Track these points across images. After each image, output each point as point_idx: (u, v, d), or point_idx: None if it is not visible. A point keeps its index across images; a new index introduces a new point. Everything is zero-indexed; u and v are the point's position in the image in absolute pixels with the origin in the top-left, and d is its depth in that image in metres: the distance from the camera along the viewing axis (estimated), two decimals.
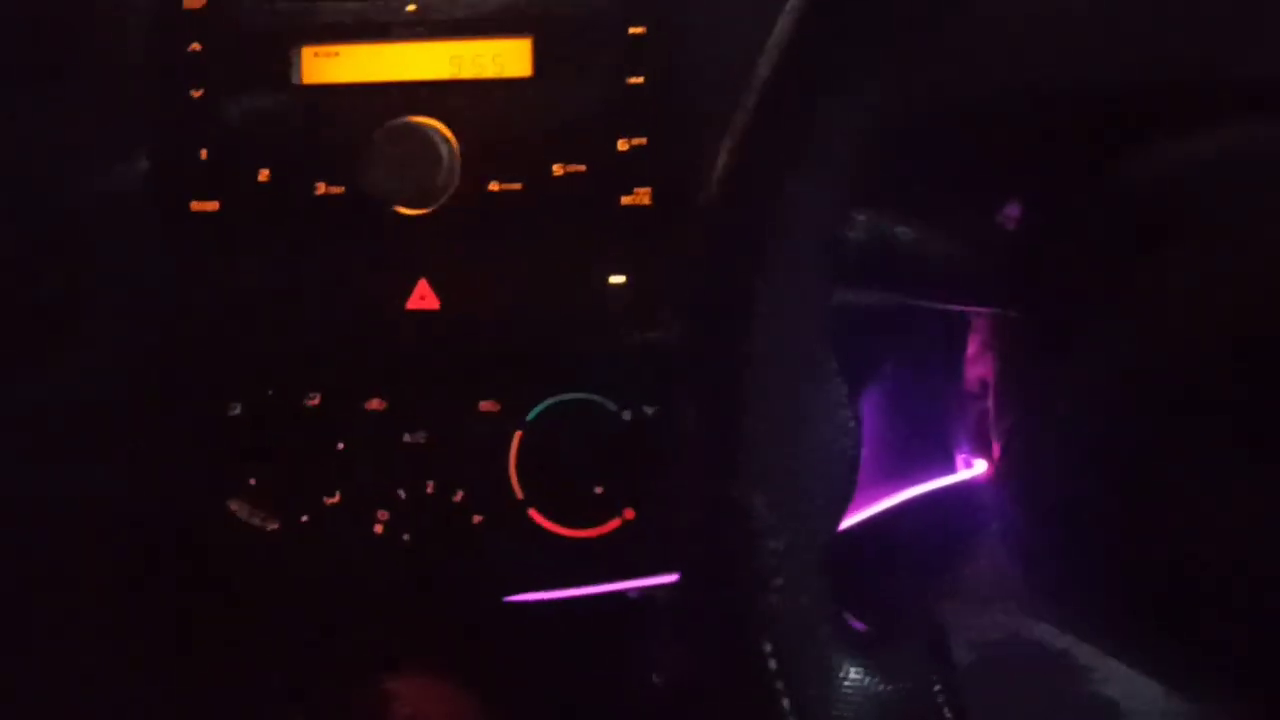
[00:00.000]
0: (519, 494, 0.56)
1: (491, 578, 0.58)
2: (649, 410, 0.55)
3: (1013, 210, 0.47)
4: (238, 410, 0.57)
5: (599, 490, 0.55)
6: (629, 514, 0.55)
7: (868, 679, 0.33)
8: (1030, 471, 0.36)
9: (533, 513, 0.56)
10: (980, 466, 0.65)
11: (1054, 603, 0.33)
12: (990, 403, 0.61)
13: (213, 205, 0.53)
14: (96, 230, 0.54)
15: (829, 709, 0.33)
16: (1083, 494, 0.34)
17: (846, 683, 0.33)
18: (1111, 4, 0.44)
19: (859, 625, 0.34)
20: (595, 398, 0.55)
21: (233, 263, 0.54)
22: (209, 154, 0.52)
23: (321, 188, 0.52)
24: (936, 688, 0.33)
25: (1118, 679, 0.32)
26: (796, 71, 0.33)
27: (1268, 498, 0.33)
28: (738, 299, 0.32)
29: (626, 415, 0.55)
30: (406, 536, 0.57)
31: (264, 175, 0.52)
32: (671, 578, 0.55)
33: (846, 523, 0.35)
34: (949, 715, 0.33)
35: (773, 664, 0.32)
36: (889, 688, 0.33)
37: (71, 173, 0.53)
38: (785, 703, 0.32)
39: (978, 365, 0.62)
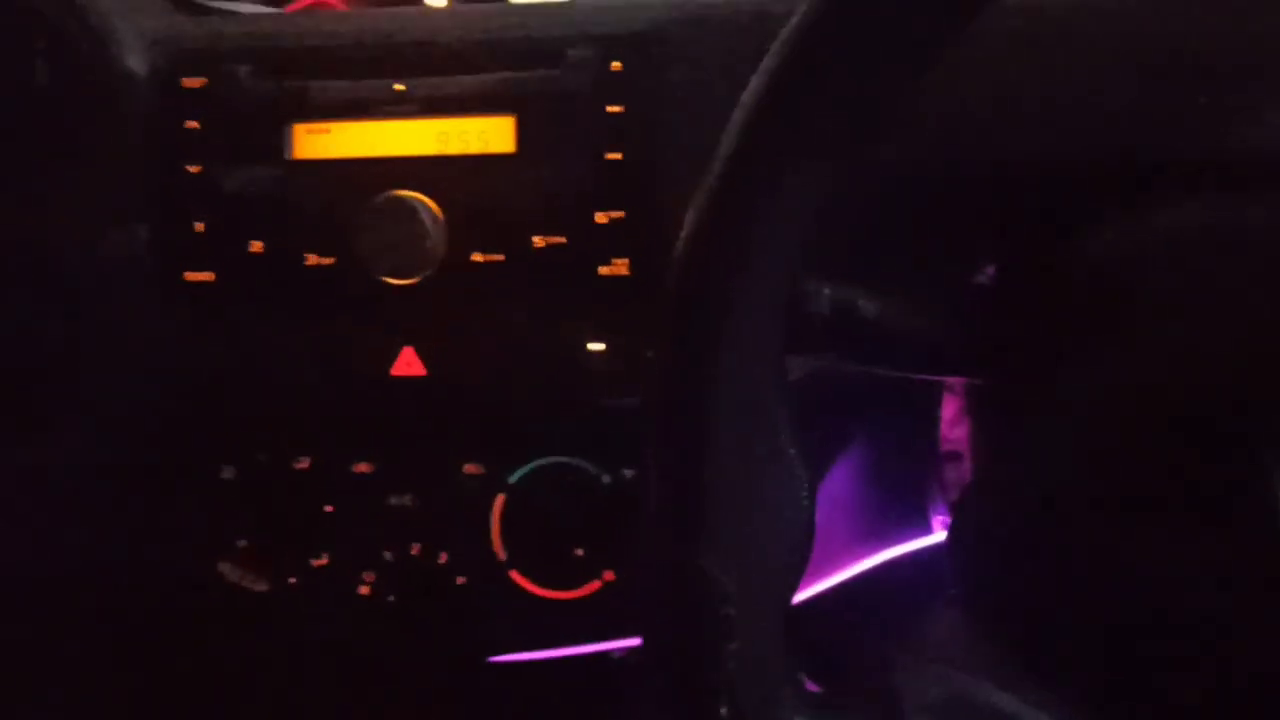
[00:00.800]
0: (501, 555, 0.57)
1: (475, 638, 0.59)
2: (628, 473, 0.56)
3: (973, 282, 0.49)
4: (230, 474, 0.58)
5: (579, 552, 0.56)
6: (609, 575, 0.57)
7: None
8: (981, 535, 0.37)
9: (514, 574, 0.57)
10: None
11: (1008, 665, 0.34)
12: (967, 467, 0.62)
13: (208, 275, 0.55)
14: (93, 298, 0.56)
15: None
16: (1028, 557, 0.35)
17: None
18: (1067, 86, 0.46)
19: (814, 688, 0.35)
20: (576, 461, 0.57)
21: (226, 330, 0.55)
22: (205, 226, 0.54)
23: (312, 259, 0.54)
24: None
25: None
26: (758, 143, 0.35)
27: (1213, 562, 0.34)
28: (697, 372, 0.34)
29: (606, 478, 0.56)
30: (392, 598, 0.58)
31: (257, 247, 0.54)
32: (632, 641, 0.56)
33: (811, 590, 0.37)
34: None
35: None
36: None
37: (70, 242, 0.55)
38: None
39: (954, 431, 0.64)
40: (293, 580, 0.58)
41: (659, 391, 0.34)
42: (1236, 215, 0.38)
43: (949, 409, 0.64)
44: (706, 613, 0.33)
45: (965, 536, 0.37)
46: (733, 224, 0.34)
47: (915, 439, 0.64)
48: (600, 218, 0.52)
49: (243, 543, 0.58)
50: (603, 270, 0.53)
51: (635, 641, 0.59)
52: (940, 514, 0.66)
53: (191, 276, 0.55)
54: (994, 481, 0.38)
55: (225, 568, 0.58)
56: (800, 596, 0.37)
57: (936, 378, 0.51)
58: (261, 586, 0.58)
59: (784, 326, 0.36)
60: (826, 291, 0.44)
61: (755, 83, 0.35)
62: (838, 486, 0.58)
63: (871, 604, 0.52)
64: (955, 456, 0.65)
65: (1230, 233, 0.37)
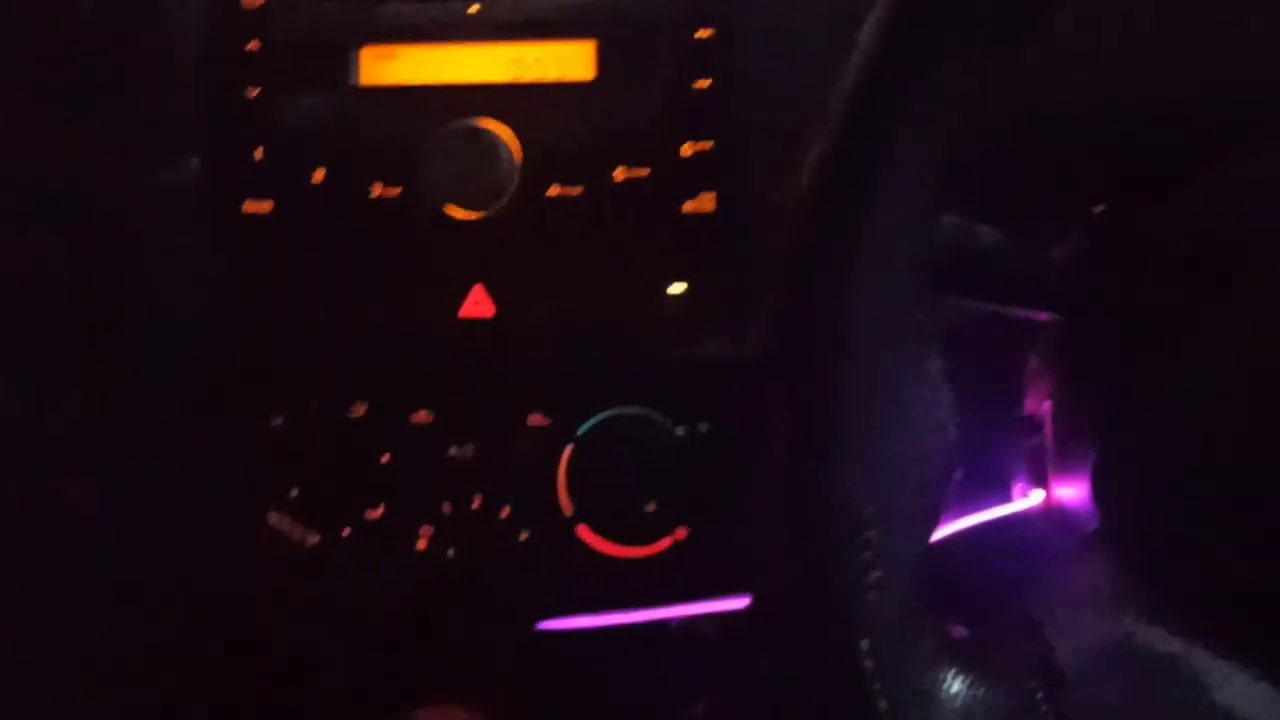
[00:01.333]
0: (567, 510, 0.54)
1: (538, 597, 0.56)
2: (704, 426, 0.54)
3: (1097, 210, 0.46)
4: (280, 420, 0.55)
5: (651, 508, 0.54)
6: (681, 533, 0.54)
7: (968, 686, 0.31)
8: (1137, 473, 0.34)
9: (581, 530, 0.54)
10: (1037, 497, 0.63)
11: (1165, 606, 0.31)
12: (1047, 435, 0.59)
13: (265, 206, 0.52)
14: (145, 231, 0.53)
15: (928, 713, 0.31)
16: (1186, 496, 0.32)
17: (946, 689, 0.31)
18: (1192, 24, 0.44)
19: (959, 630, 0.32)
20: (649, 413, 0.54)
21: (283, 266, 0.53)
22: (263, 154, 0.51)
23: (377, 190, 0.51)
24: (1039, 695, 0.32)
25: (1234, 686, 0.30)
26: (895, 56, 0.32)
27: None
28: (839, 276, 0.31)
29: (680, 431, 0.54)
30: (450, 553, 0.55)
31: (319, 176, 0.51)
32: (735, 601, 0.53)
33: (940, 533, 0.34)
34: None
35: (869, 664, 0.30)
36: (990, 695, 0.31)
37: (122, 171, 0.52)
38: (882, 704, 0.30)
39: (1034, 394, 0.61)
40: (345, 533, 0.55)
41: (795, 297, 0.32)
42: None
43: (1028, 376, 0.61)
44: (845, 541, 0.30)
45: (1118, 476, 0.35)
46: (881, 115, 0.31)
47: (995, 408, 0.61)
48: (686, 150, 0.50)
49: (293, 493, 0.55)
50: (687, 206, 0.50)
51: (709, 606, 0.56)
52: (1020, 483, 0.63)
53: (249, 207, 0.52)
54: (1145, 421, 0.35)
55: (274, 519, 0.55)
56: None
57: (1043, 316, 0.48)
58: (312, 539, 0.55)
59: (922, 251, 0.33)
60: (946, 219, 0.41)
61: None
62: None
63: (1002, 549, 0.49)
64: (1035, 426, 0.62)
65: None
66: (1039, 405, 0.62)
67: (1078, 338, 0.48)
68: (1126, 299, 0.41)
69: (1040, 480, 0.63)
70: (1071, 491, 0.57)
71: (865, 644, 0.30)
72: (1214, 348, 0.36)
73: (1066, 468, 0.57)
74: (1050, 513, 0.61)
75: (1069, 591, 0.33)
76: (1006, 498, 0.64)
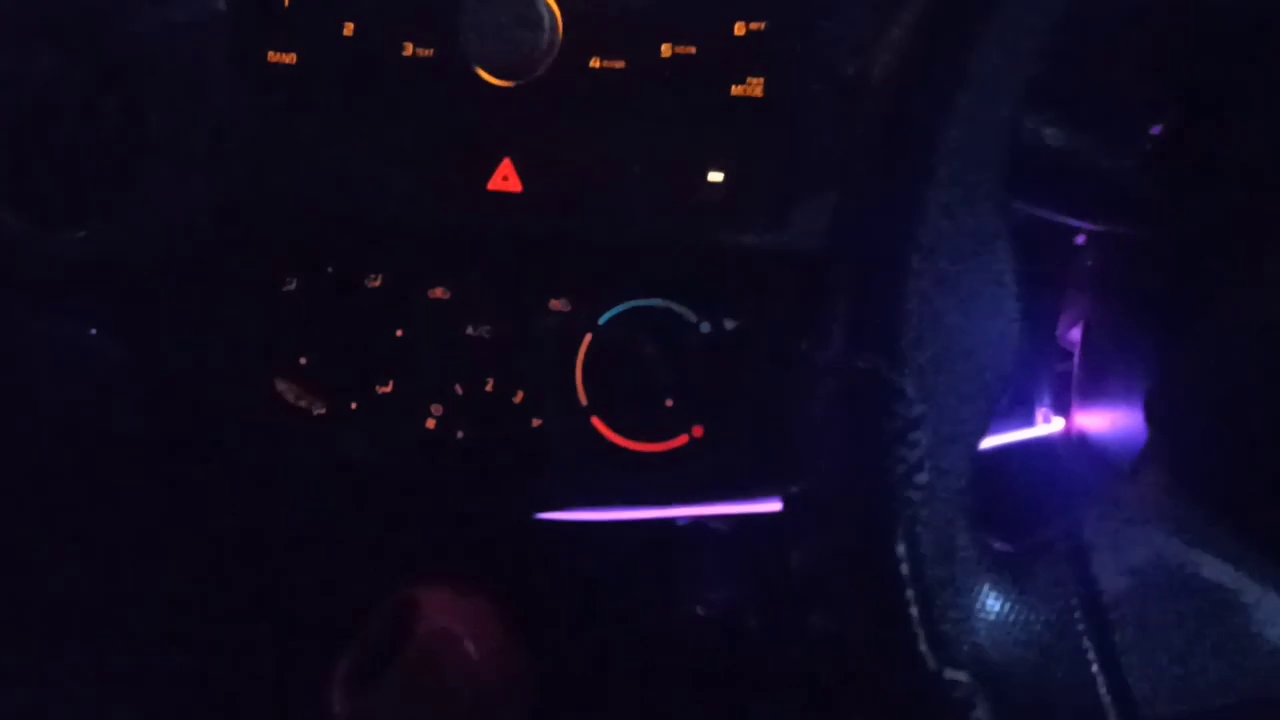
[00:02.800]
0: (583, 400, 0.53)
1: (546, 485, 0.55)
2: (730, 324, 0.52)
3: (1157, 129, 0.43)
4: (293, 285, 0.53)
5: (668, 403, 0.52)
6: (698, 431, 0.52)
7: (1004, 601, 0.30)
8: (1198, 393, 0.32)
9: (596, 421, 0.53)
10: (1058, 424, 0.62)
11: (1216, 532, 0.30)
12: (1075, 364, 0.57)
13: (290, 57, 0.49)
14: (164, 71, 0.50)
15: (960, 628, 0.29)
16: (1261, 418, 0.30)
17: (982, 603, 0.30)
18: None
19: (999, 545, 0.31)
20: (674, 306, 0.52)
21: (305, 121, 0.50)
22: (291, 1, 0.49)
23: (409, 48, 0.49)
24: (1076, 614, 0.30)
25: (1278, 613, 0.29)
26: None
27: None
28: (915, 172, 0.29)
29: (705, 327, 0.52)
30: (460, 434, 0.54)
31: (349, 30, 0.49)
32: (763, 504, 0.52)
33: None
34: (1090, 645, 0.30)
35: (904, 569, 0.29)
36: (1026, 613, 0.30)
37: (148, 8, 0.50)
38: (913, 611, 0.29)
39: (1065, 323, 0.59)
40: (354, 405, 0.54)
41: (869, 191, 0.29)
42: None
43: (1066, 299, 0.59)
44: (895, 439, 0.29)
45: (1176, 395, 0.33)
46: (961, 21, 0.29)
47: (1029, 328, 0.59)
48: (739, 28, 0.47)
49: (302, 360, 0.54)
50: (735, 89, 0.47)
51: (716, 509, 0.55)
52: (1045, 407, 0.62)
53: (274, 57, 0.49)
54: (1212, 339, 0.33)
55: (283, 386, 0.54)
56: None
57: (1108, 227, 0.46)
58: (320, 409, 0.54)
59: (1005, 146, 0.31)
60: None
61: None
62: None
63: (1048, 462, 0.48)
64: (1064, 352, 0.60)
65: None
66: (1069, 331, 0.60)
67: (1133, 254, 0.46)
68: (1203, 209, 0.39)
69: (1062, 407, 0.61)
70: (1096, 420, 0.56)
71: (902, 547, 0.29)
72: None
73: (1093, 395, 0.56)
74: (1069, 440, 0.59)
75: (1112, 512, 0.31)
76: (1029, 422, 0.63)
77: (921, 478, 0.29)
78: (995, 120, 0.31)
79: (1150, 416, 0.34)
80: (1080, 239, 0.53)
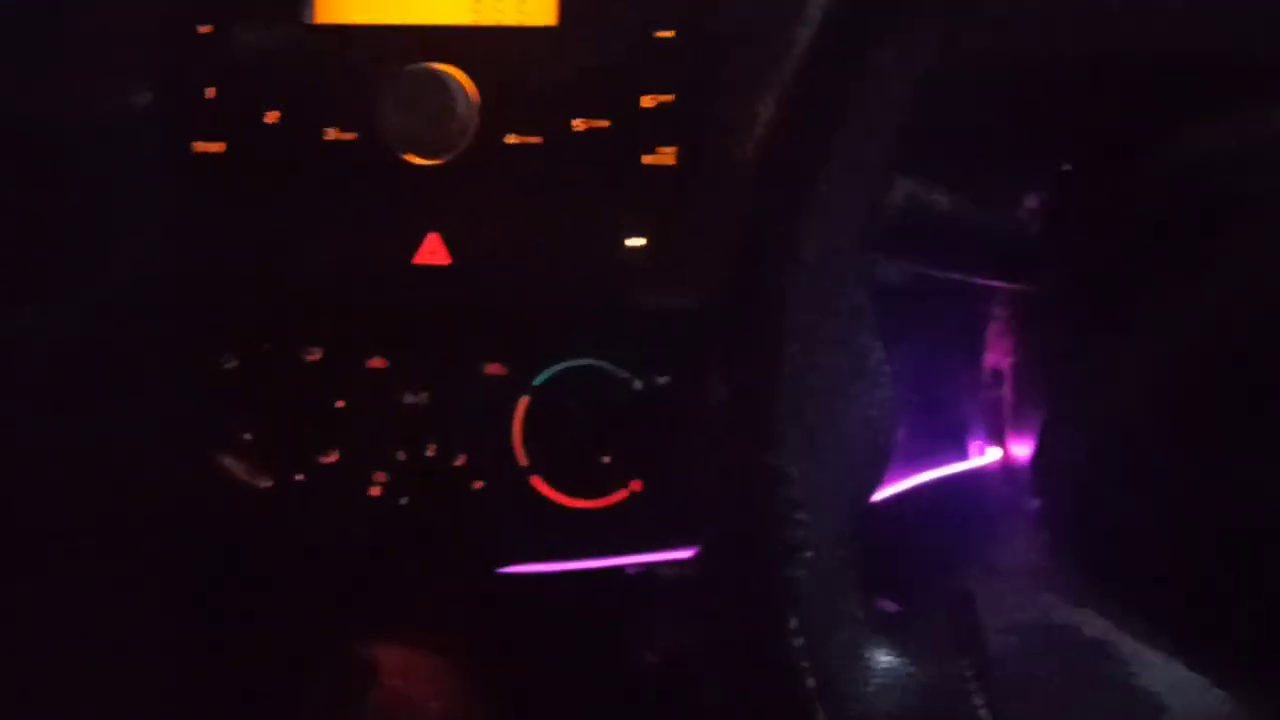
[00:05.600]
0: (523, 460, 0.54)
1: (490, 546, 0.56)
2: (661, 380, 0.53)
3: (1032, 200, 0.45)
4: (233, 363, 0.55)
5: (606, 460, 0.53)
6: (636, 485, 0.54)
7: (896, 661, 0.31)
8: (1075, 450, 0.34)
9: (536, 480, 0.54)
10: (994, 454, 0.63)
11: (1094, 587, 0.32)
12: (1006, 392, 0.59)
13: (218, 146, 0.51)
14: (92, 167, 0.52)
15: (855, 689, 0.31)
16: (1134, 473, 0.32)
17: (874, 663, 0.31)
18: None
19: (888, 605, 0.32)
20: (606, 365, 0.53)
21: (236, 207, 0.52)
22: (216, 92, 0.50)
23: (332, 133, 0.50)
24: (968, 672, 0.32)
25: (1159, 669, 0.31)
26: (848, 12, 0.31)
27: None
28: (778, 259, 0.30)
29: (638, 384, 0.53)
30: (404, 500, 0.55)
31: (272, 117, 0.50)
32: (682, 553, 0.53)
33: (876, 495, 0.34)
34: (979, 701, 0.31)
35: (798, 641, 0.30)
36: (917, 670, 0.32)
37: (69, 107, 0.51)
38: (809, 682, 0.30)
39: (994, 354, 0.61)
40: (299, 477, 0.55)
41: (733, 273, 0.31)
42: None
43: (991, 328, 0.61)
44: (778, 517, 0.30)
45: (1051, 456, 0.34)
46: (829, 80, 0.30)
47: (955, 365, 0.61)
48: (647, 101, 0.48)
49: (246, 436, 0.55)
50: (647, 159, 0.49)
51: (658, 556, 0.56)
52: (977, 439, 0.63)
53: (200, 147, 0.51)
54: (1091, 396, 0.35)
55: (228, 461, 0.55)
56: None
57: (1004, 284, 0.47)
58: (265, 482, 0.55)
59: (871, 218, 0.33)
60: (902, 184, 0.40)
61: None
62: None
63: (934, 521, 0.49)
64: (996, 380, 0.62)
65: None
66: (1001, 360, 0.62)
67: (1032, 302, 0.48)
68: (1082, 266, 0.41)
69: (999, 437, 0.63)
70: (1027, 450, 0.57)
71: (794, 622, 0.30)
72: (1170, 324, 0.36)
73: (1024, 426, 0.57)
74: (1007, 471, 0.61)
75: (1005, 565, 0.33)
76: (963, 454, 0.64)
77: (805, 555, 0.30)
78: (853, 200, 0.32)
79: (1035, 472, 0.35)
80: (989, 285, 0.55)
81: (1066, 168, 0.44)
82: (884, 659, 0.31)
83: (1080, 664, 0.31)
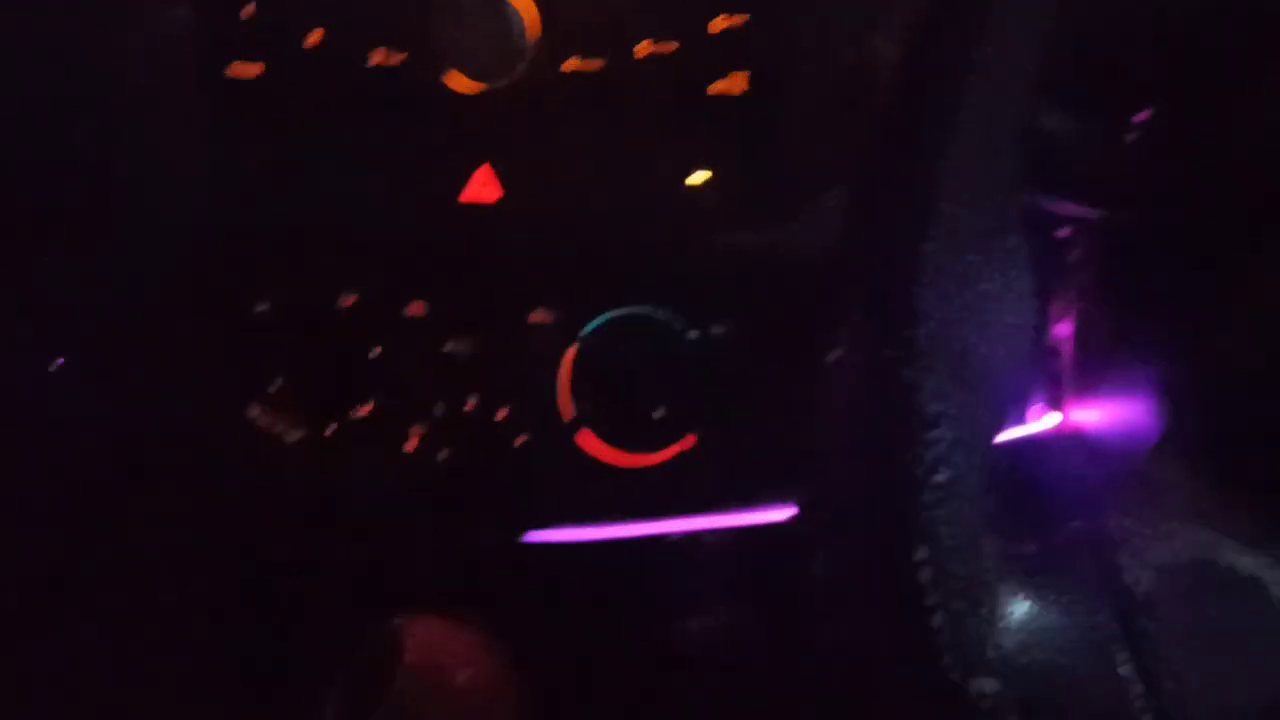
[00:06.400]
0: (568, 414, 0.51)
1: (533, 504, 0.53)
2: (718, 329, 0.50)
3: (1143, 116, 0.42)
4: (264, 307, 0.51)
5: (658, 414, 0.50)
6: (690, 441, 0.51)
7: (1033, 606, 0.29)
8: (1217, 378, 0.31)
9: (582, 436, 0.51)
10: (1051, 420, 0.61)
11: (1246, 522, 0.29)
12: (1067, 359, 0.56)
13: (255, 69, 0.47)
14: (126, 89, 0.48)
15: (987, 632, 0.28)
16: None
17: (1009, 607, 0.28)
18: None
19: (1026, 546, 0.29)
20: (659, 313, 0.50)
21: (273, 135, 0.48)
22: (254, 10, 0.47)
23: (378, 56, 0.47)
24: (1106, 620, 0.29)
25: None
26: None
27: None
28: (926, 175, 0.28)
29: (693, 334, 0.50)
30: (442, 455, 0.52)
31: (314, 38, 0.47)
32: (775, 512, 0.50)
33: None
34: (1122, 655, 0.29)
35: (925, 574, 0.27)
36: (1055, 617, 0.29)
37: (103, 19, 0.48)
38: (937, 619, 0.27)
39: (1055, 313, 0.58)
40: (331, 430, 0.52)
41: (884, 177, 0.28)
42: None
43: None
44: (913, 438, 0.27)
45: (1193, 382, 0.32)
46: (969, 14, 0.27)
47: (1022, 329, 0.58)
48: (717, 24, 0.45)
49: (276, 385, 0.52)
50: (716, 86, 0.46)
51: (709, 522, 0.53)
52: (1036, 405, 0.61)
53: (237, 70, 0.47)
54: (1230, 322, 0.32)
55: (256, 412, 0.52)
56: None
57: (1107, 212, 0.44)
58: (295, 434, 0.52)
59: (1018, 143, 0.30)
60: None
61: None
62: None
63: (1071, 458, 0.46)
64: (1053, 352, 0.59)
65: None
66: (1055, 325, 0.59)
67: (1131, 243, 0.45)
68: (1212, 186, 0.38)
69: (1055, 403, 0.60)
70: (1095, 415, 0.55)
71: (924, 552, 0.27)
72: None
73: (1091, 390, 0.54)
74: (1066, 438, 0.58)
75: (1135, 509, 0.30)
76: (1022, 420, 0.62)
77: (940, 477, 0.27)
78: (1006, 111, 0.30)
79: (1165, 406, 0.32)
80: (1064, 231, 0.52)
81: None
82: (1020, 603, 0.28)
83: (1231, 604, 0.29)
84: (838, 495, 0.29)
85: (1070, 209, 0.41)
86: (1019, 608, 0.29)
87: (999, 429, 0.29)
